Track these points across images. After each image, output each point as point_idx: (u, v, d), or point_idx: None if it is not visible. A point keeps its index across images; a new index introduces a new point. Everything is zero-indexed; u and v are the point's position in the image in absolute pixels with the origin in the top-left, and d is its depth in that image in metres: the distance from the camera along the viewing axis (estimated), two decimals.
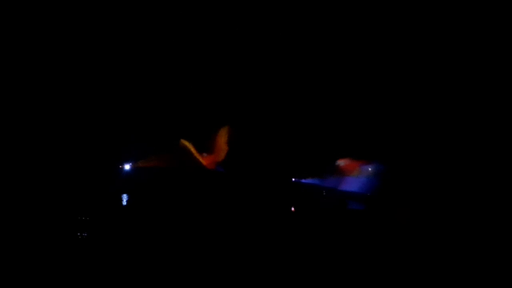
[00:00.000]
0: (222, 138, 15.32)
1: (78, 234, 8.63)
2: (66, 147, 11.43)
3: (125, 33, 11.50)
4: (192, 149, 14.77)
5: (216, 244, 8.29)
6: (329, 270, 7.09)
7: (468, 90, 12.55)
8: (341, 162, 15.18)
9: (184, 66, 12.82)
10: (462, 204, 10.70)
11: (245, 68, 13.55)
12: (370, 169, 14.83)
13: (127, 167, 12.47)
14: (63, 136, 11.37)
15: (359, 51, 13.52)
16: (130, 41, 11.73)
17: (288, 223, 10.96)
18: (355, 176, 14.80)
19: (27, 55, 10.70)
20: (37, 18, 10.32)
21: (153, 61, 12.13)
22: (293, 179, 14.29)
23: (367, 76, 13.84)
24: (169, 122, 13.28)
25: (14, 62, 10.60)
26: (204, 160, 14.85)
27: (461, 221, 9.61)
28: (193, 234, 8.96)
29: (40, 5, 10.27)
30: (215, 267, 7.10)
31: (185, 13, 12.26)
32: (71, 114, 11.23)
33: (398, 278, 6.65)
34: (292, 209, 12.34)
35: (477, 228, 8.87)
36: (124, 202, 11.85)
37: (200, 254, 7.72)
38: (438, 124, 13.19)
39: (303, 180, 14.31)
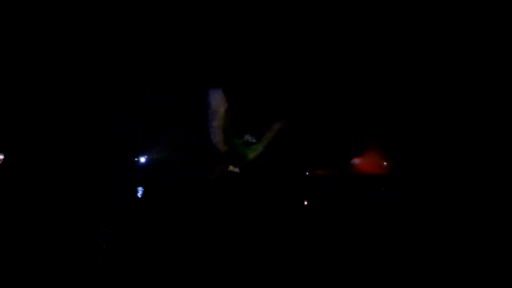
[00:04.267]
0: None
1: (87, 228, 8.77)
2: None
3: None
4: None
5: (226, 240, 8.33)
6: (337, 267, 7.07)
7: (468, 90, 12.35)
8: (358, 159, 15.04)
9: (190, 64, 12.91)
10: (462, 204, 10.49)
11: (257, 67, 13.59)
12: (386, 165, 14.70)
13: (142, 159, 12.60)
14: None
15: (369, 51, 13.46)
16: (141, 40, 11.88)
17: (300, 217, 11.00)
18: (372, 172, 14.67)
19: (28, 56, 10.97)
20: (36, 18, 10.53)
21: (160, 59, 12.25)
22: (307, 173, 14.21)
23: (378, 75, 13.75)
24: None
25: (15, 62, 10.87)
26: None
27: (461, 221, 9.43)
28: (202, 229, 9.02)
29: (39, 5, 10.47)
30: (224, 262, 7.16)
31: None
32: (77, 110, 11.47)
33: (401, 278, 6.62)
34: (305, 202, 12.31)
35: (477, 228, 8.69)
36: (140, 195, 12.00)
37: (209, 249, 7.77)
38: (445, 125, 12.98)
39: (316, 175, 14.22)
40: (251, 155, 12.44)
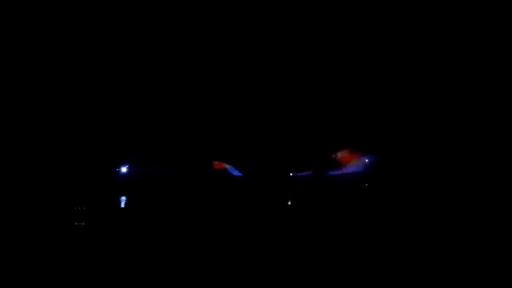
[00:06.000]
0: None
1: (76, 235, 8.67)
2: (64, 148, 11.48)
3: (124, 34, 11.39)
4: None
5: (216, 242, 8.31)
6: (328, 267, 7.07)
7: (468, 89, 12.52)
8: (339, 154, 15.16)
9: (181, 67, 12.78)
10: (461, 203, 10.66)
11: (238, 64, 13.52)
12: (367, 160, 14.85)
13: (124, 169, 12.44)
14: (62, 137, 11.42)
15: (355, 47, 13.50)
16: (128, 42, 11.64)
17: (286, 218, 10.99)
18: (353, 167, 14.81)
19: (26, 55, 10.70)
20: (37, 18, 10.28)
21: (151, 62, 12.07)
22: (291, 174, 14.30)
23: (363, 70, 13.81)
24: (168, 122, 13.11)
25: (14, 62, 10.60)
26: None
27: (460, 220, 9.56)
28: (193, 232, 8.98)
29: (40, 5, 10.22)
30: (215, 265, 7.11)
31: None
32: (70, 115, 11.25)
33: (398, 277, 6.60)
34: (289, 203, 12.35)
35: (476, 228, 8.81)
36: (123, 205, 11.91)
37: (200, 252, 7.74)
38: (439, 120, 13.13)
39: (300, 174, 14.32)
40: None
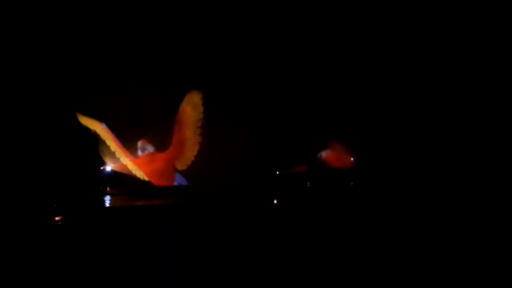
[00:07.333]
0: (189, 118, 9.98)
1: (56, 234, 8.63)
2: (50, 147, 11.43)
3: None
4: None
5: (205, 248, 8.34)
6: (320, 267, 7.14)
7: (467, 89, 12.75)
8: (325, 153, 15.31)
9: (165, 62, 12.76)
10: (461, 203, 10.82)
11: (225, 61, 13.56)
12: (353, 159, 15.04)
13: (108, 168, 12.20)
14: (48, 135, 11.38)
15: (345, 47, 13.67)
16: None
17: (273, 217, 11.04)
18: (340, 167, 14.98)
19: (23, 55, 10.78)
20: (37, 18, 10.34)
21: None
22: (278, 172, 14.34)
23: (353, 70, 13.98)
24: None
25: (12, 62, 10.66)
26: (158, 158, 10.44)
27: (459, 220, 9.71)
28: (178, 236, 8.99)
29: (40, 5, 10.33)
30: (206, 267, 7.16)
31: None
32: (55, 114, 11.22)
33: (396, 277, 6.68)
34: (275, 201, 12.36)
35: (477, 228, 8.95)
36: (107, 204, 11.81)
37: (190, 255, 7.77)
38: (434, 120, 13.34)
39: (287, 172, 14.38)
40: None
